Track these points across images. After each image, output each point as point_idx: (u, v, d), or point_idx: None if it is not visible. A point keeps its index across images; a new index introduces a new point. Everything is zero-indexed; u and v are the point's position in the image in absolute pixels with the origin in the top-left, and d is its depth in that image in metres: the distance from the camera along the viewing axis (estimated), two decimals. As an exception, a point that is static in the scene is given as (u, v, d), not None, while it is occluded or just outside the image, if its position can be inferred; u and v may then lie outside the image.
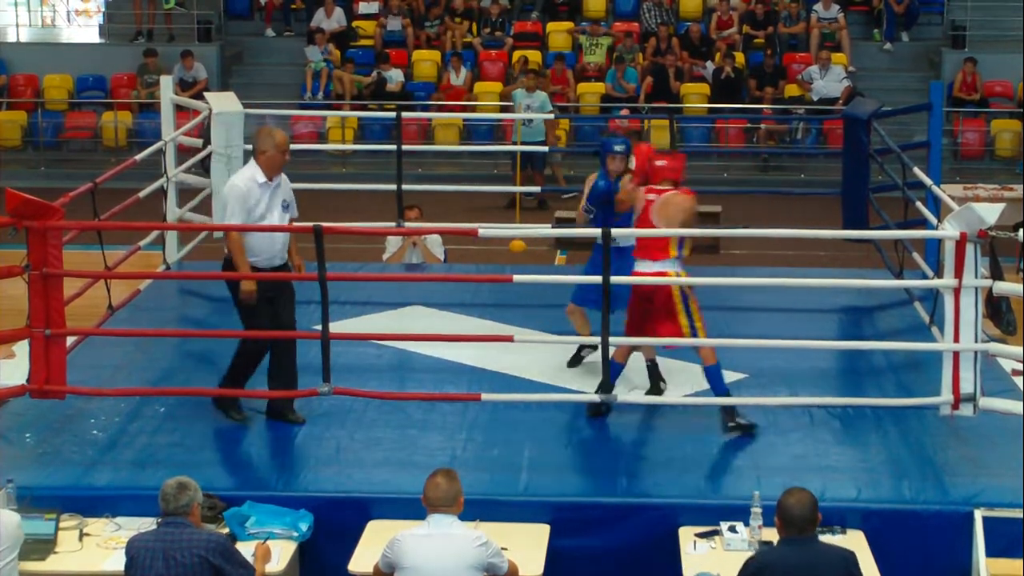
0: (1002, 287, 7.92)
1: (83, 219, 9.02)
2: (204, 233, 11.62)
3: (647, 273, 8.35)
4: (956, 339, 7.88)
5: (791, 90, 21.36)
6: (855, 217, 11.26)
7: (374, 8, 22.84)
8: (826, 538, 6.65)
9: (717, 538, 7.24)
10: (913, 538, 7.42)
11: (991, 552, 7.28)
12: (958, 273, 7.83)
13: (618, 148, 9.12)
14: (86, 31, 26.57)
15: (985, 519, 7.35)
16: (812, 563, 6.17)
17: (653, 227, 8.39)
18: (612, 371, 8.19)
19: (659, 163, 8.58)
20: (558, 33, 22.61)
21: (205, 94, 12.04)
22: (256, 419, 8.51)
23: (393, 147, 12.56)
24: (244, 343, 8.48)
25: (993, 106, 21.20)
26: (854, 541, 7.13)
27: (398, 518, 7.19)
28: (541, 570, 7.02)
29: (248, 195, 8.24)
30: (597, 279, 7.99)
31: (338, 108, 20.98)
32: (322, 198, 13.42)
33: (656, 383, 8.86)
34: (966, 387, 7.92)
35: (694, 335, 8.34)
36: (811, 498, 6.28)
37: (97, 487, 7.68)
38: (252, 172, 8.33)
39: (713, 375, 8.37)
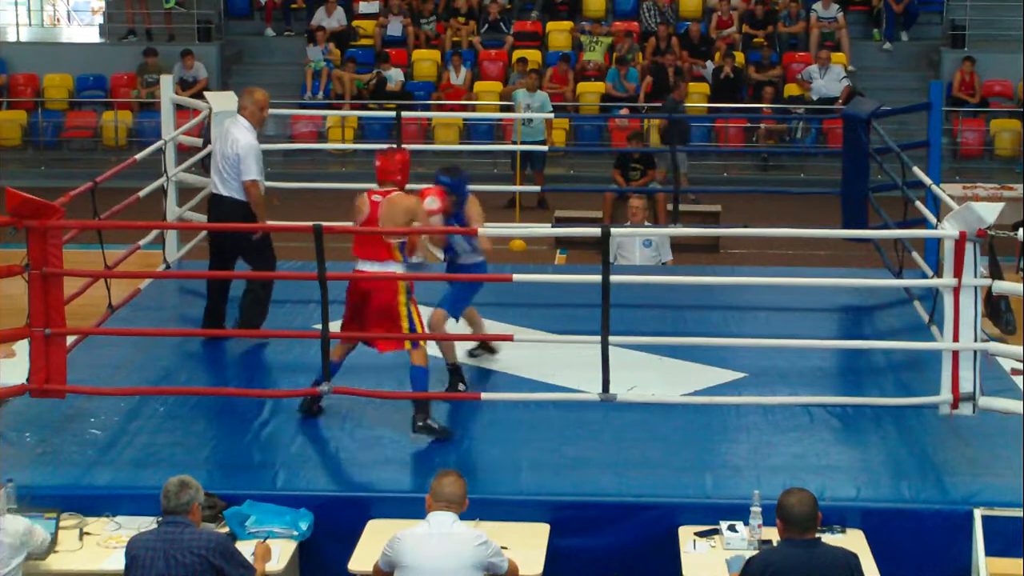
0: (1001, 286, 7.92)
1: (83, 218, 9.02)
2: (204, 232, 11.61)
3: (368, 271, 8.27)
4: (955, 338, 7.89)
5: (791, 89, 21.37)
6: (855, 217, 11.26)
7: (374, 8, 22.85)
8: (826, 537, 6.65)
9: (717, 537, 7.25)
10: (913, 537, 7.42)
11: (991, 551, 7.28)
12: (957, 272, 7.83)
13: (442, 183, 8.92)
14: (86, 31, 26.59)
15: (984, 518, 7.36)
16: (815, 564, 6.16)
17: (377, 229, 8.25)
18: (331, 369, 8.20)
19: (377, 163, 8.43)
20: (558, 33, 22.61)
21: (205, 93, 12.03)
22: (256, 418, 8.53)
23: (393, 147, 12.53)
24: (256, 291, 9.75)
25: (992, 106, 21.21)
26: (854, 540, 7.14)
27: (398, 517, 7.20)
28: (541, 570, 7.03)
29: (259, 149, 9.57)
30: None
31: (338, 108, 20.99)
32: (322, 197, 13.42)
33: (456, 384, 8.86)
34: (965, 386, 7.92)
35: (414, 337, 8.25)
36: (811, 497, 6.28)
37: (97, 487, 7.68)
38: (246, 127, 9.57)
39: (419, 376, 8.28)
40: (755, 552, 6.71)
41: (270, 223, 9.86)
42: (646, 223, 13.56)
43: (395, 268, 8.29)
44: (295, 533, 7.29)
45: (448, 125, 20.97)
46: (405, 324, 8.25)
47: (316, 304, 8.12)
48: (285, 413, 8.56)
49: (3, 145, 21.49)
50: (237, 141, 9.53)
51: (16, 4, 25.73)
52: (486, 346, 9.54)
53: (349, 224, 8.63)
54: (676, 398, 8.72)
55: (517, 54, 21.56)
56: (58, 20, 28.30)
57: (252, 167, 9.53)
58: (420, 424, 8.18)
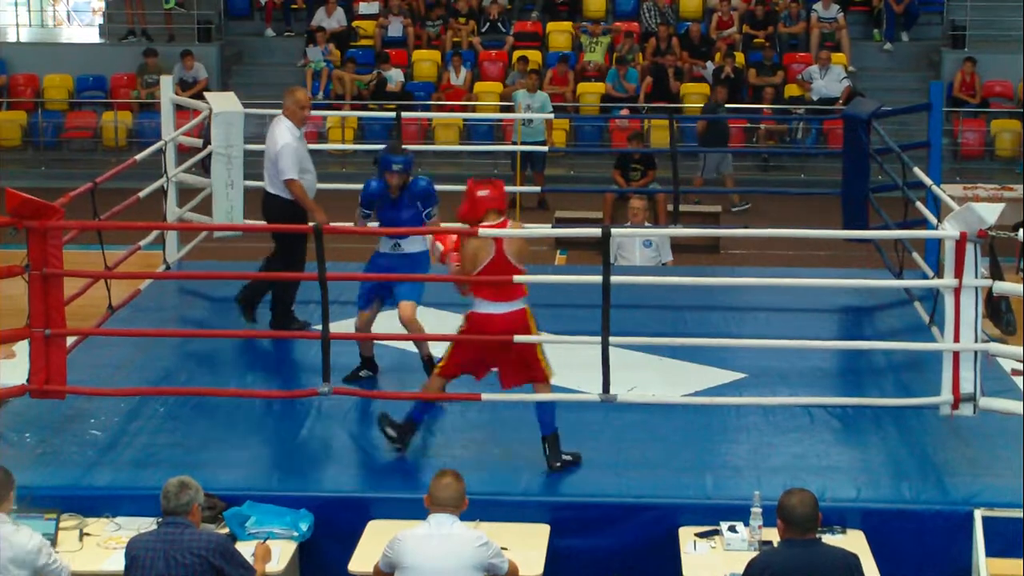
0: (1002, 287, 7.92)
1: (83, 219, 9.01)
2: (204, 233, 11.62)
3: (502, 314, 8.02)
4: (956, 339, 7.88)
5: (791, 90, 21.37)
6: (855, 217, 11.26)
7: (374, 8, 22.84)
8: (826, 538, 6.65)
9: (717, 538, 7.25)
10: (913, 538, 7.43)
11: (991, 552, 7.28)
12: (958, 273, 7.83)
13: (396, 167, 8.87)
14: (86, 31, 26.58)
15: (985, 519, 7.36)
16: (815, 564, 6.16)
17: (510, 269, 7.98)
18: (424, 410, 8.18)
19: (481, 194, 8.08)
20: (558, 33, 22.62)
21: (205, 94, 12.03)
22: (256, 418, 8.53)
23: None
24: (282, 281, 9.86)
25: (993, 106, 21.21)
26: (854, 541, 7.14)
27: (398, 518, 7.20)
28: (541, 570, 7.03)
29: (297, 148, 9.76)
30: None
31: (338, 108, 20.99)
32: (322, 198, 13.41)
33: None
34: (966, 387, 7.91)
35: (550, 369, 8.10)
36: (812, 498, 6.28)
37: (97, 487, 7.69)
38: (287, 127, 9.79)
39: (550, 409, 8.09)
40: (755, 553, 6.70)
41: (278, 224, 9.92)
42: (646, 224, 13.56)
43: (526, 303, 8.11)
44: (295, 534, 7.29)
45: (448, 125, 20.97)
46: (542, 356, 8.06)
47: (316, 304, 8.10)
48: (285, 413, 8.56)
49: (3, 145, 21.48)
50: (276, 142, 9.79)
51: (16, 4, 25.73)
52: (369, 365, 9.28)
53: (349, 224, 8.63)
54: (676, 399, 8.71)
55: (517, 54, 21.56)
56: (58, 20, 28.30)
57: (286, 167, 9.72)
58: (558, 464, 7.95)
